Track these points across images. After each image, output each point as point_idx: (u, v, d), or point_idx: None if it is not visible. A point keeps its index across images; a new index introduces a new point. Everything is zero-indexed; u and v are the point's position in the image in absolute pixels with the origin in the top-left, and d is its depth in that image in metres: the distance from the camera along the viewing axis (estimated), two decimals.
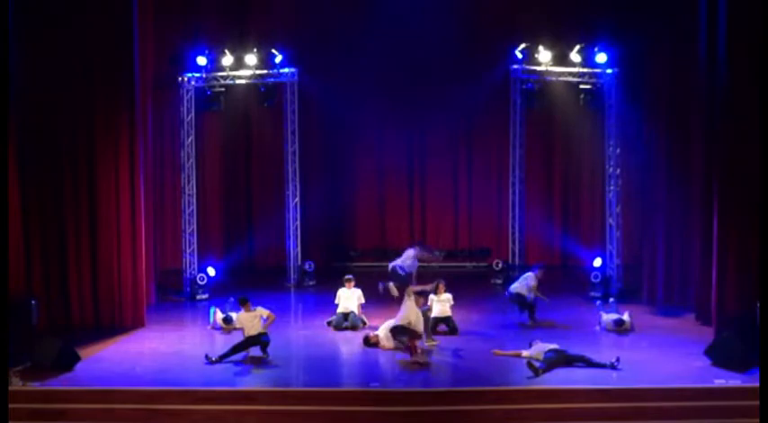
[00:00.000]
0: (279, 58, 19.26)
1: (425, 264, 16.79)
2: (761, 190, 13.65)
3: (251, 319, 14.24)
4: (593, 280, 18.31)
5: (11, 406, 11.46)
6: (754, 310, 13.56)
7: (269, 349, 14.21)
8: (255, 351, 14.19)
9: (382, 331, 14.74)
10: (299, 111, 19.92)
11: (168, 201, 20.02)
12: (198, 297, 18.30)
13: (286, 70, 19.56)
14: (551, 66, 19.12)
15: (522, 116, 20.28)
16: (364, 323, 15.95)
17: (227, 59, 19.02)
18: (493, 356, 14.07)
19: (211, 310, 16.52)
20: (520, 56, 19.39)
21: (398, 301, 14.45)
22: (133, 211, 16.16)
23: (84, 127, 15.99)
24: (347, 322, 15.94)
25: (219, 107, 19.65)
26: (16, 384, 12.88)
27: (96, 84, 15.92)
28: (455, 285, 16.51)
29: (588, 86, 19.00)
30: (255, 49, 19.15)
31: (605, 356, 13.60)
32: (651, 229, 17.80)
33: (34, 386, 12.96)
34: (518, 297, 16.08)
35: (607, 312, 16.02)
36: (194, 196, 19.39)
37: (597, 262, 18.65)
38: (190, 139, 19.28)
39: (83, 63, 15.82)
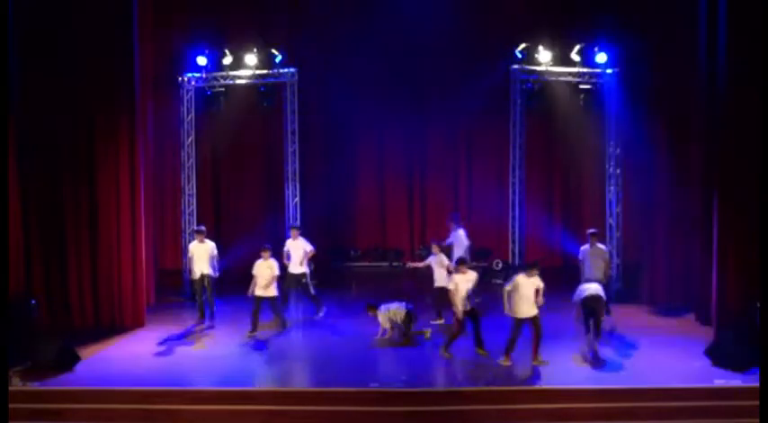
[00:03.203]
0: (279, 58, 19.26)
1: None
2: (761, 190, 13.64)
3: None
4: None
5: (11, 406, 11.45)
6: (755, 310, 13.57)
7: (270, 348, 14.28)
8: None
9: (383, 315, 14.88)
10: (299, 111, 19.92)
11: (168, 201, 20.01)
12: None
13: (286, 70, 19.57)
14: (551, 66, 19.12)
15: (522, 116, 20.28)
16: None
17: (227, 59, 19.02)
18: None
19: None
20: (520, 56, 19.39)
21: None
22: (133, 211, 16.17)
23: (84, 127, 16.01)
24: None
25: (219, 107, 19.65)
26: (16, 384, 12.88)
27: (96, 84, 15.93)
28: None
29: (588, 86, 19.01)
30: (255, 49, 19.15)
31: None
32: (651, 229, 17.81)
33: (34, 386, 12.96)
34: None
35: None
36: (194, 196, 19.38)
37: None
38: (190, 139, 19.28)
39: (83, 63, 15.82)
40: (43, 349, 13.67)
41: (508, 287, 13.63)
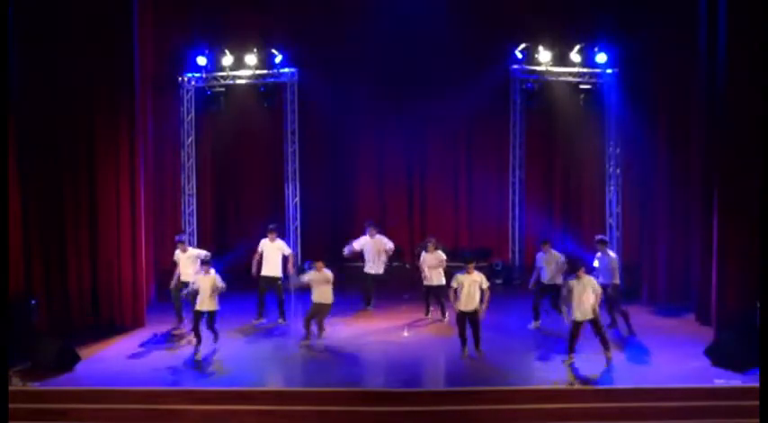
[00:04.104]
0: (279, 58, 19.27)
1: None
2: (761, 190, 13.64)
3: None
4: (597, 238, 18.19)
5: (11, 406, 11.45)
6: (755, 310, 13.56)
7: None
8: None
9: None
10: (299, 111, 19.92)
11: (168, 201, 20.00)
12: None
13: (286, 70, 19.57)
14: (551, 66, 19.13)
15: (522, 116, 20.29)
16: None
17: (227, 59, 19.04)
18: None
19: None
20: (520, 56, 19.40)
21: None
22: (133, 210, 16.18)
23: (85, 127, 16.01)
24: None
25: (219, 107, 19.66)
26: (16, 384, 12.89)
27: (96, 84, 15.94)
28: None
29: (588, 86, 19.03)
30: (255, 49, 19.15)
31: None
32: (651, 229, 17.81)
33: (34, 386, 12.97)
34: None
35: None
36: (194, 196, 19.39)
37: (597, 262, 18.61)
38: (190, 139, 19.29)
39: (83, 63, 15.82)
40: (43, 349, 13.67)
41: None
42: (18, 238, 15.23)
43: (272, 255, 16.29)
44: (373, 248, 17.00)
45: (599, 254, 15.73)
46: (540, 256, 15.90)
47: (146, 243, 16.79)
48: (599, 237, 16.28)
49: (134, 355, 14.47)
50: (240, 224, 21.36)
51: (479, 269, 14.47)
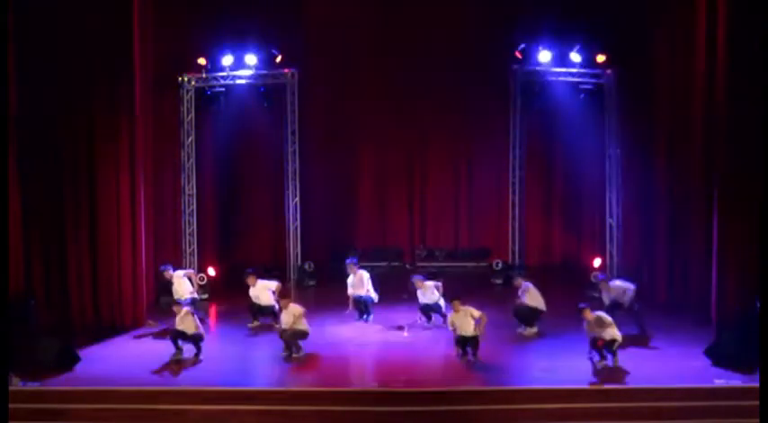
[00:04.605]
0: (279, 58, 19.26)
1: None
2: (761, 189, 13.65)
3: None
4: (593, 280, 18.29)
5: (11, 406, 11.45)
6: (754, 310, 13.56)
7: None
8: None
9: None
10: (299, 111, 19.91)
11: (168, 201, 19.97)
12: (198, 297, 18.23)
13: (286, 71, 19.55)
14: (551, 66, 19.11)
15: (522, 116, 20.28)
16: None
17: (227, 59, 19.02)
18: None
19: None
20: (520, 56, 19.37)
21: None
22: (133, 211, 16.18)
23: (85, 127, 16.01)
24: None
25: (219, 107, 19.64)
26: (16, 384, 12.88)
27: (96, 84, 15.94)
28: (455, 285, 16.53)
29: (588, 86, 19.01)
30: (255, 50, 19.14)
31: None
32: (651, 228, 17.80)
33: (34, 386, 12.96)
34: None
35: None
36: (194, 196, 19.38)
37: (597, 262, 18.63)
38: (190, 139, 19.28)
39: (83, 63, 15.81)
40: (43, 349, 13.68)
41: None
42: (18, 238, 15.24)
43: (262, 293, 16.15)
44: (358, 282, 16.79)
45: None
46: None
47: (146, 243, 16.78)
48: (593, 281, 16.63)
49: (134, 356, 14.47)
50: (240, 224, 21.37)
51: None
